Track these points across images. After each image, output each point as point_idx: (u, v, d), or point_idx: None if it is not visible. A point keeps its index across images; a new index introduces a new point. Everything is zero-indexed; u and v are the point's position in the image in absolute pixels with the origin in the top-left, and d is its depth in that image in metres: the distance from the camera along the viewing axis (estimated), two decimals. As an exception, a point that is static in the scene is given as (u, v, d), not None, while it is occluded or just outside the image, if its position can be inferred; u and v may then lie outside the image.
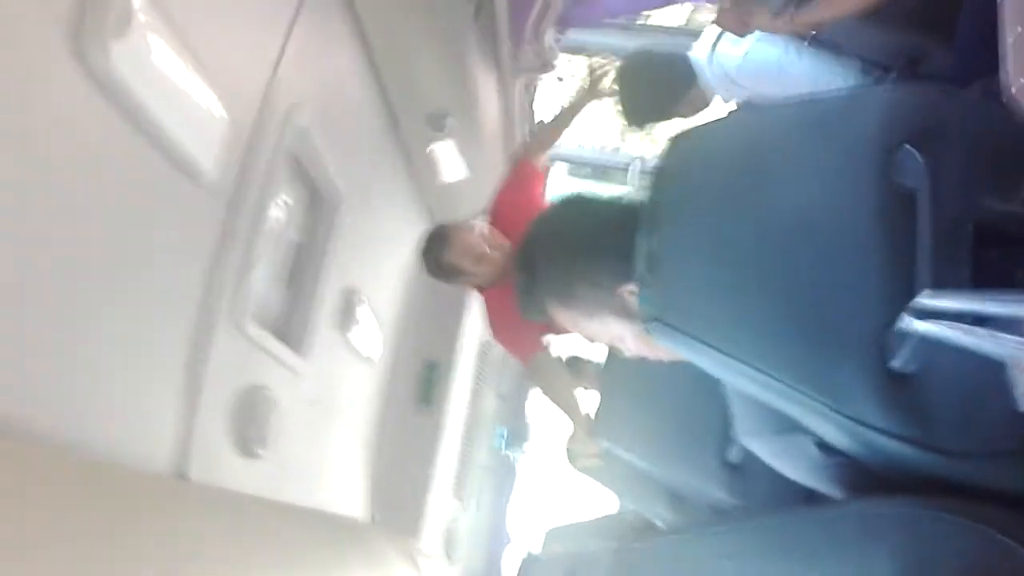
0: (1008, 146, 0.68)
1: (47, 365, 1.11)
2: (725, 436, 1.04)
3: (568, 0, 2.45)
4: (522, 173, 2.44)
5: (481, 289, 2.25)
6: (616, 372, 1.43)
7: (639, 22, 2.86)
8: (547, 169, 2.50)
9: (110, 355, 1.26)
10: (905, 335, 0.59)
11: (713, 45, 1.98)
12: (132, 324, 1.31)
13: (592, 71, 2.39)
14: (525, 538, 4.32)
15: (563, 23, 2.55)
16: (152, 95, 1.19)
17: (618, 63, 2.24)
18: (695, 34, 2.16)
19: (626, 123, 2.27)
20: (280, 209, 1.90)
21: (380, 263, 2.68)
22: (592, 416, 1.86)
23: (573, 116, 2.50)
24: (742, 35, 1.72)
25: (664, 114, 2.15)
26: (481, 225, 2.19)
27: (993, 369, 0.56)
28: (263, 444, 1.80)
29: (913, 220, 0.62)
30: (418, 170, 2.69)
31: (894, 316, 0.59)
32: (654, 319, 0.79)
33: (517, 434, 4.25)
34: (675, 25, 2.79)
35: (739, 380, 0.75)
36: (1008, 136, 0.70)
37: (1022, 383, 0.48)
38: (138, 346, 1.34)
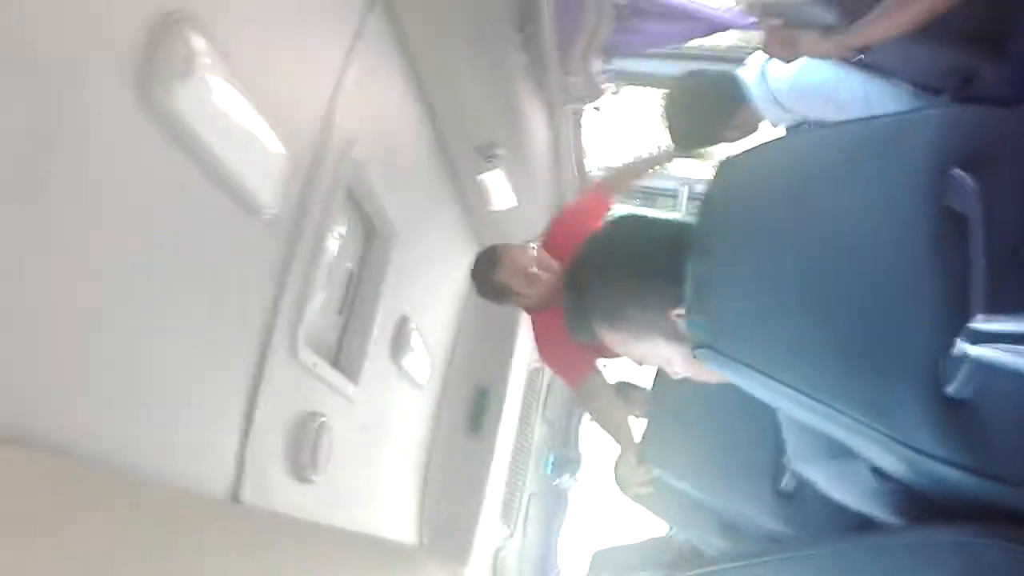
0: None
1: (114, 390, 1.16)
2: (777, 464, 1.02)
3: (613, 30, 2.47)
4: (590, 200, 2.46)
5: (531, 311, 2.26)
6: (666, 398, 1.42)
7: (684, 48, 2.87)
8: (613, 204, 2.51)
9: (173, 381, 1.30)
10: (960, 360, 0.58)
11: (762, 69, 1.97)
12: (194, 352, 1.35)
13: None
14: (575, 565, 4.27)
15: (608, 52, 2.57)
16: (214, 134, 1.24)
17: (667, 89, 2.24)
18: (742, 59, 2.15)
19: (674, 146, 2.26)
20: (336, 241, 1.95)
21: (432, 291, 2.71)
22: (641, 440, 1.84)
23: (652, 167, 2.52)
24: (790, 60, 1.71)
25: (712, 138, 2.14)
26: (532, 247, 2.21)
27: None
28: (316, 469, 1.83)
29: (966, 244, 0.61)
30: (468, 199, 2.73)
31: (948, 342, 0.59)
32: (704, 345, 0.79)
33: (567, 461, 4.22)
34: (722, 49, 2.78)
35: (791, 405, 0.74)
36: None
37: None
38: (200, 372, 1.38)
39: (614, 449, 2.22)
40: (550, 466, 4.12)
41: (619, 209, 2.75)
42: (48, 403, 1.03)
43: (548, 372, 3.57)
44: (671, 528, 1.80)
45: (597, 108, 2.73)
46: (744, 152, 0.88)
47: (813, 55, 1.69)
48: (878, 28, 1.47)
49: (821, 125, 1.79)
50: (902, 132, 0.73)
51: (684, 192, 3.41)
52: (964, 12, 1.35)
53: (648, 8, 2.50)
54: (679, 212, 3.45)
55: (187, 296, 1.31)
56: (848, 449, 0.71)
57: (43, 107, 0.95)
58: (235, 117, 1.30)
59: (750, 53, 2.11)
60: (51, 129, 0.97)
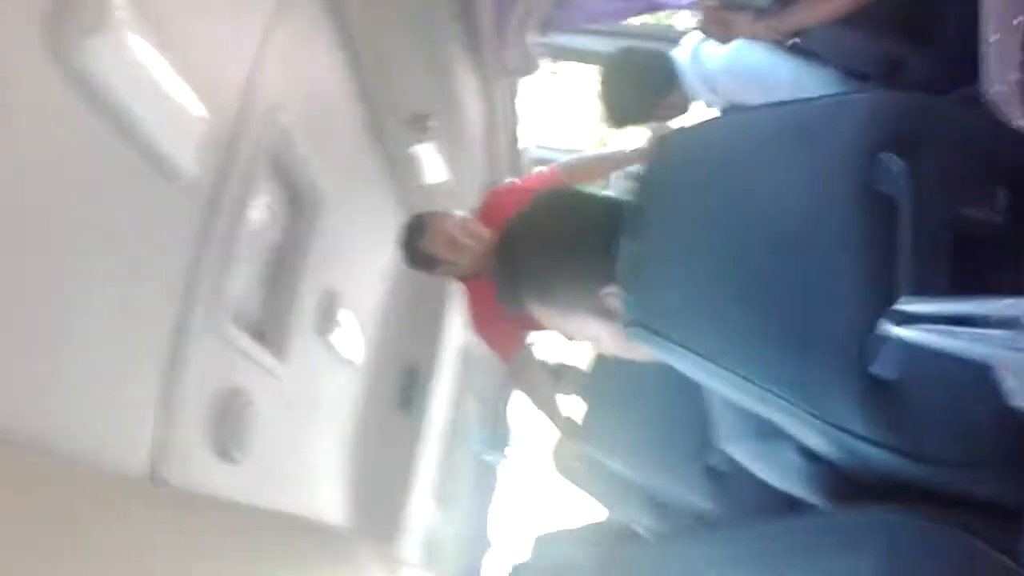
0: (986, 154, 0.69)
1: (21, 366, 1.09)
2: (707, 442, 1.04)
3: (550, 4, 2.45)
4: (538, 177, 2.43)
5: (463, 280, 2.24)
6: (600, 377, 1.42)
7: (621, 25, 2.87)
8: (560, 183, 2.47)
9: (85, 356, 1.24)
10: (885, 340, 0.59)
11: (695, 49, 1.99)
12: (107, 325, 1.29)
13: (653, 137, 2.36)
14: (507, 544, 4.31)
15: (545, 26, 2.55)
16: (129, 93, 1.17)
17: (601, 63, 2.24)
18: (676, 38, 2.16)
19: (606, 122, 2.27)
20: (260, 210, 1.88)
21: (361, 266, 2.66)
22: (574, 420, 1.85)
23: (618, 165, 2.49)
24: (724, 41, 1.73)
25: (644, 116, 2.16)
26: (461, 214, 2.18)
27: (973, 374, 0.56)
28: (240, 448, 1.78)
29: (893, 226, 0.62)
30: (399, 172, 2.68)
31: (874, 323, 0.59)
32: (636, 323, 0.78)
33: (498, 438, 4.24)
34: (657, 28, 2.80)
35: (721, 385, 0.75)
36: (986, 144, 0.70)
37: (1009, 380, 0.48)
38: (113, 347, 1.32)
39: (545, 426, 2.23)
40: (481, 443, 4.14)
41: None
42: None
43: (479, 348, 3.57)
44: (608, 513, 1.83)
45: (554, 72, 2.69)
46: (680, 132, 0.88)
47: (747, 36, 1.71)
48: (811, 12, 1.50)
49: (755, 107, 1.82)
50: (833, 114, 0.73)
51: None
52: (894, 0, 1.38)
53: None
54: (609, 189, 3.47)
55: (100, 264, 1.24)
56: (775, 430, 0.72)
57: None
58: (152, 76, 1.23)
59: (684, 33, 2.12)
60: None
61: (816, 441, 0.68)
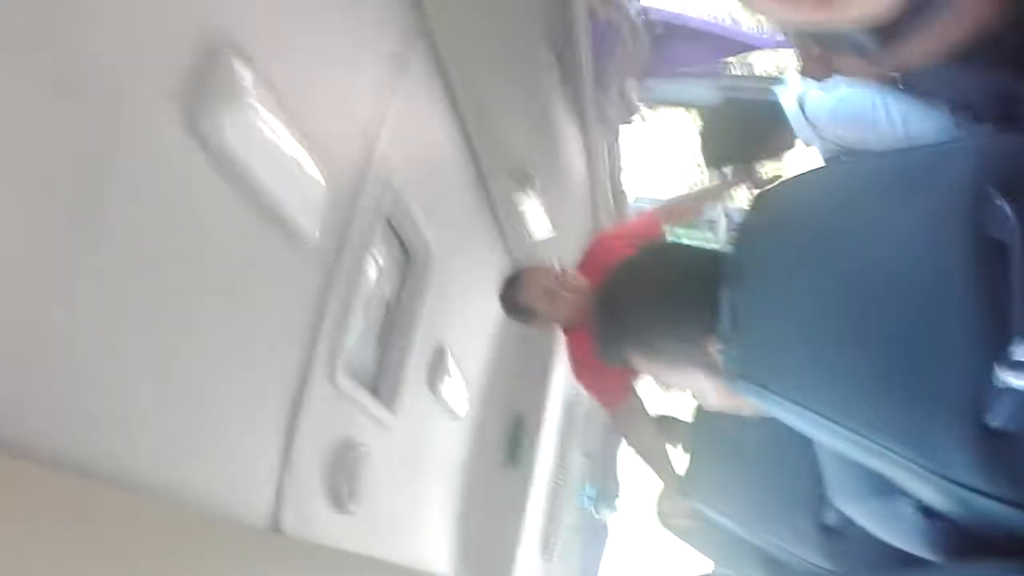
0: None
1: (156, 414, 1.17)
2: (821, 498, 0.99)
3: (648, 51, 2.47)
4: (636, 225, 2.45)
5: (565, 330, 2.25)
6: (707, 431, 1.39)
7: (723, 71, 2.86)
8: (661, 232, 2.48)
9: (213, 407, 1.31)
10: (1002, 391, 0.57)
11: (800, 93, 1.96)
12: (235, 379, 1.37)
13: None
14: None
15: (643, 73, 2.58)
16: (259, 164, 1.26)
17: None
18: (777, 82, 2.14)
19: (705, 163, 2.25)
20: (374, 268, 1.97)
21: (469, 320, 2.72)
22: (681, 474, 1.81)
23: (709, 198, 2.50)
24: (825, 80, 1.70)
25: (745, 156, 2.13)
26: (559, 267, 2.20)
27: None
28: (355, 499, 1.83)
29: (1006, 271, 0.60)
30: (506, 227, 2.74)
31: (988, 371, 0.57)
32: (739, 376, 0.77)
33: (606, 492, 4.16)
34: (758, 74, 2.77)
35: (832, 440, 0.72)
36: None
37: None
38: (240, 399, 1.40)
39: (653, 479, 2.18)
40: (587, 499, 4.08)
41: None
42: (90, 428, 1.05)
43: (585, 401, 3.54)
44: (715, 566, 1.76)
45: (644, 119, 2.72)
46: (782, 182, 0.87)
47: (850, 75, 1.67)
48: (919, 48, 1.45)
49: (859, 154, 1.77)
50: (941, 162, 0.71)
51: (722, 222, 3.38)
52: (1009, 34, 1.32)
53: (681, 29, 2.51)
54: (717, 242, 3.42)
55: (228, 322, 1.33)
56: (891, 487, 0.69)
57: (92, 131, 0.98)
58: (278, 146, 1.32)
59: (785, 76, 2.09)
60: (100, 153, 0.99)
61: (934, 497, 0.64)
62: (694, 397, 0.99)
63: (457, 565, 2.74)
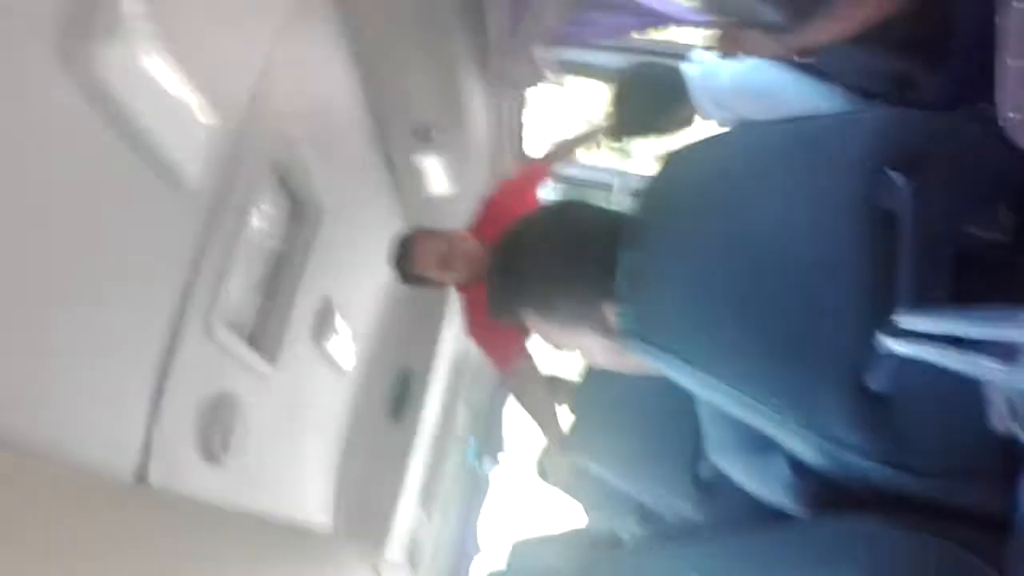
0: (992, 172, 0.69)
1: (14, 365, 1.09)
2: (696, 453, 1.03)
3: (559, 17, 2.46)
4: (522, 177, 2.43)
5: (460, 288, 2.23)
6: (593, 389, 1.42)
7: (631, 41, 2.87)
8: (545, 179, 2.49)
9: (78, 356, 1.23)
10: (882, 355, 0.59)
11: (706, 66, 2.00)
12: (103, 326, 1.28)
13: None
14: (495, 549, 4.30)
15: (557, 40, 2.56)
16: (137, 100, 1.18)
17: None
18: (684, 54, 2.17)
19: (610, 133, 2.26)
20: (260, 217, 1.88)
21: (359, 275, 2.66)
22: (566, 430, 1.84)
23: (583, 143, 2.51)
24: (734, 56, 1.73)
25: (651, 129, 2.16)
26: (450, 231, 2.16)
27: (967, 390, 0.56)
28: (228, 451, 1.77)
29: (894, 243, 0.62)
30: (402, 183, 2.68)
31: (872, 337, 0.59)
32: (632, 334, 0.78)
33: (490, 446, 4.22)
34: (665, 44, 2.80)
35: (714, 396, 0.74)
36: (993, 162, 0.70)
37: (997, 403, 0.47)
38: (107, 346, 1.31)
39: (538, 435, 2.21)
40: (472, 452, 4.12)
41: (552, 196, 2.75)
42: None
43: (474, 357, 3.56)
44: (590, 520, 1.82)
45: (553, 84, 2.69)
46: (685, 147, 0.87)
47: (758, 54, 1.71)
48: (825, 30, 1.49)
49: (760, 123, 1.82)
50: (838, 132, 0.73)
51: (617, 184, 3.44)
52: (906, 19, 1.38)
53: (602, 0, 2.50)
54: (612, 204, 3.47)
55: (95, 265, 1.23)
56: (765, 443, 0.71)
57: None
58: (160, 84, 1.23)
59: (691, 48, 2.12)
60: None
61: (806, 452, 0.67)
62: (583, 357, 0.99)
63: (336, 518, 2.72)
